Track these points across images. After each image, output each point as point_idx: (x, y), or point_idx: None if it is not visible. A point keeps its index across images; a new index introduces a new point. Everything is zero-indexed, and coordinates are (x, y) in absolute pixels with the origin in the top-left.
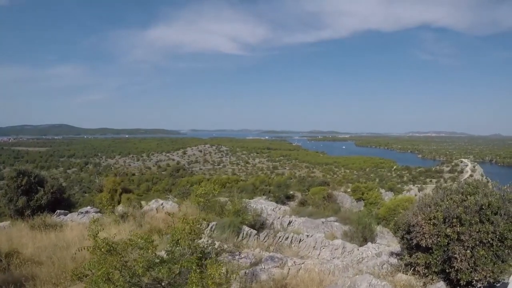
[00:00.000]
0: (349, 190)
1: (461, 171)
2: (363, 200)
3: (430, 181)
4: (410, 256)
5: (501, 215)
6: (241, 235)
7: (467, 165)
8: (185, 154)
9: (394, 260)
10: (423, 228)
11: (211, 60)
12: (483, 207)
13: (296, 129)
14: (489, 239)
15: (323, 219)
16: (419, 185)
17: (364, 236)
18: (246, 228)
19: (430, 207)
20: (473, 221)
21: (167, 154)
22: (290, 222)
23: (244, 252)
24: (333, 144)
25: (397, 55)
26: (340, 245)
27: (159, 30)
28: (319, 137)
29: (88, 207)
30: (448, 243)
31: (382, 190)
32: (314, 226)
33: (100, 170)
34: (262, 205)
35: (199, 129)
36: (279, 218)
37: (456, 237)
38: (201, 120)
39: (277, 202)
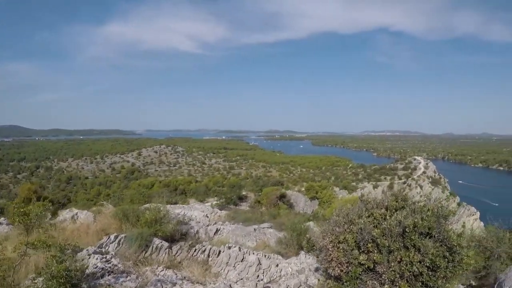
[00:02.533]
0: (303, 189)
1: (415, 168)
2: (317, 199)
3: (385, 178)
4: (325, 280)
5: (433, 237)
6: (150, 248)
7: (420, 162)
8: (140, 155)
9: (314, 281)
10: (330, 254)
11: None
12: (406, 229)
13: (254, 128)
14: (415, 270)
15: (256, 226)
16: (373, 182)
17: (300, 244)
18: (156, 241)
19: (340, 226)
20: (393, 247)
21: (122, 156)
22: (217, 231)
23: (143, 270)
24: (290, 143)
25: (354, 56)
26: (255, 261)
27: (115, 26)
28: (276, 136)
29: (2, 218)
30: (362, 273)
31: (336, 189)
32: (244, 234)
33: (52, 174)
34: (194, 211)
35: (154, 129)
36: (207, 226)
37: (372, 266)
38: (157, 120)
39: (228, 204)
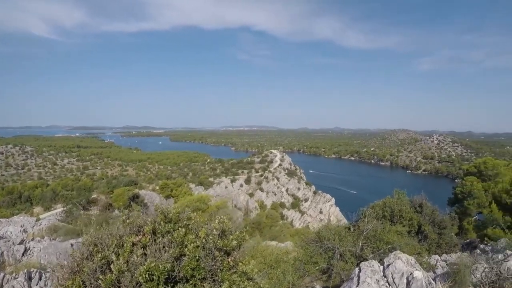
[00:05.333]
0: (157, 187)
1: (271, 161)
2: (172, 197)
3: (242, 172)
4: None
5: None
6: None
7: (276, 156)
8: None
9: None
10: None
11: (19, 43)
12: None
13: (109, 124)
14: None
15: (74, 241)
16: (231, 177)
17: None
18: None
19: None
20: None
21: None
22: (26, 250)
23: None
24: (148, 139)
25: (217, 53)
26: None
27: None
28: (133, 132)
29: None
30: None
31: (192, 185)
32: (59, 251)
33: None
34: (10, 225)
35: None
36: (15, 245)
37: None
38: (1, 115)
39: (78, 208)
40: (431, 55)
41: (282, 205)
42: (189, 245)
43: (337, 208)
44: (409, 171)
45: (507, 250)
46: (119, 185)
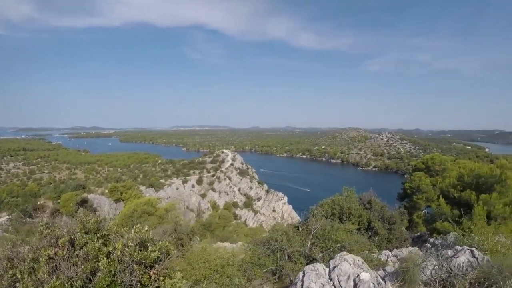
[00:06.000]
0: (107, 191)
1: (223, 161)
2: (122, 200)
3: (193, 172)
4: None
5: None
6: None
7: (228, 155)
8: None
9: None
10: None
11: None
12: None
13: (57, 125)
14: None
15: None
16: (183, 178)
17: None
18: None
19: None
20: None
21: None
22: None
23: None
24: (97, 141)
25: (168, 51)
26: None
27: None
28: (82, 133)
29: None
30: None
31: (143, 187)
32: None
33: None
34: None
35: None
36: None
37: None
38: None
39: (24, 216)
40: (381, 56)
41: (235, 204)
42: (102, 259)
43: (290, 206)
44: (360, 167)
45: (457, 246)
46: (67, 190)
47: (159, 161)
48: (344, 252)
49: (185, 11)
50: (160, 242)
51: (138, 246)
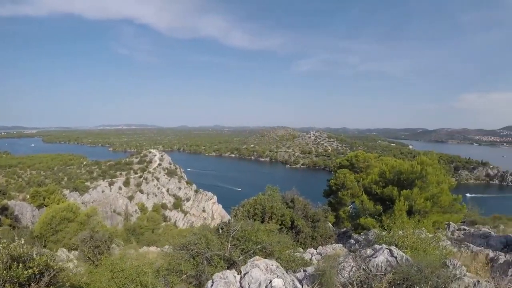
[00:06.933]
0: (28, 196)
1: (150, 161)
2: (46, 206)
3: (120, 174)
4: None
5: None
6: None
7: (155, 155)
8: None
9: None
10: None
11: None
12: None
13: None
14: None
15: None
16: (109, 179)
17: None
18: None
19: None
20: None
21: None
22: None
23: None
24: (19, 141)
25: (96, 45)
26: None
27: None
28: (2, 133)
29: None
30: None
31: (67, 191)
32: None
33: None
34: None
35: None
36: None
37: None
38: None
39: None
40: (310, 57)
41: (164, 206)
42: None
43: (220, 206)
44: (288, 165)
45: (376, 245)
46: None
47: (85, 163)
48: (257, 257)
49: (115, 4)
50: (38, 258)
51: (8, 263)
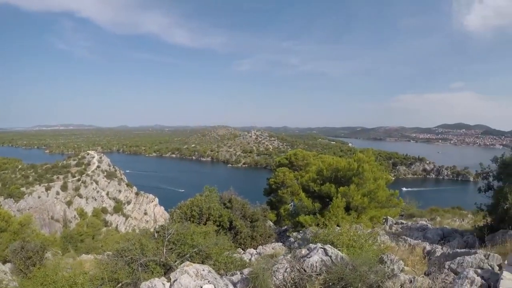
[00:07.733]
0: None
1: (88, 164)
2: None
3: (57, 177)
4: None
5: None
6: None
7: (94, 157)
8: None
9: None
10: None
11: None
12: None
13: None
14: None
15: None
16: (46, 184)
17: None
18: None
19: None
20: None
21: None
22: None
23: None
24: None
25: (32, 39)
26: None
27: None
28: None
29: None
30: None
31: (1, 198)
32: None
33: None
34: None
35: None
36: None
37: None
38: None
39: None
40: (251, 57)
41: (104, 210)
42: None
43: (162, 208)
44: (230, 165)
45: (311, 244)
46: None
47: (20, 167)
48: (187, 262)
49: None
50: None
51: None
